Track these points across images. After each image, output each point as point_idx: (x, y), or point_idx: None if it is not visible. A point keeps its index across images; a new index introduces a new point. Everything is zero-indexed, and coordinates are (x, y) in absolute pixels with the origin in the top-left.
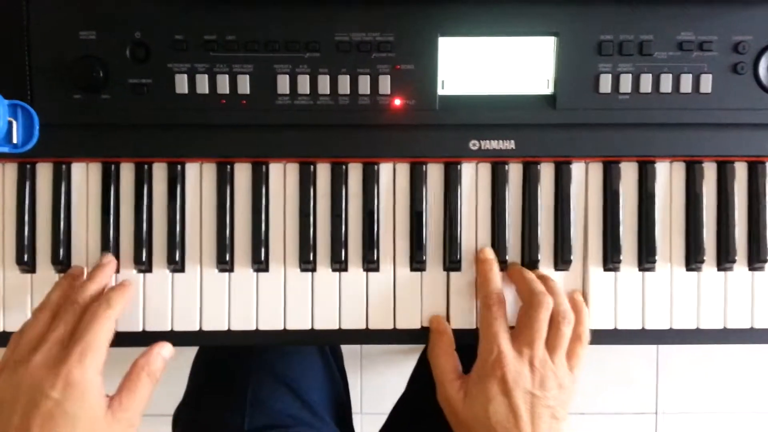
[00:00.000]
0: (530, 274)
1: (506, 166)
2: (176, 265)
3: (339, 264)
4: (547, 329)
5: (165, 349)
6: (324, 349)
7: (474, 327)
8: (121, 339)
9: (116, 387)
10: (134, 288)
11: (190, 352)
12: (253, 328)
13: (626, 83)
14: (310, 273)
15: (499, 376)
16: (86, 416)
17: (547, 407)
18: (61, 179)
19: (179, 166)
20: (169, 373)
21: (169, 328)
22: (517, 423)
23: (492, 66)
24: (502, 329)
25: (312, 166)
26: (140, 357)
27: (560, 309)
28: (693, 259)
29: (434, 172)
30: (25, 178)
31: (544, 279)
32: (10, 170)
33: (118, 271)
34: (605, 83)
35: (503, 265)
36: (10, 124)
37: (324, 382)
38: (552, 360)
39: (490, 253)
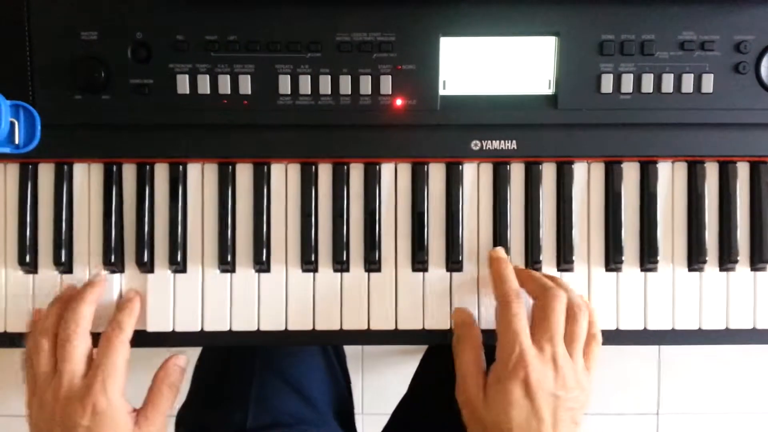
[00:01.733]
0: (537, 273)
1: (508, 167)
2: (178, 265)
3: (341, 264)
4: (564, 323)
5: (180, 360)
6: (327, 348)
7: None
8: None
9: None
10: (139, 301)
11: (193, 353)
12: (255, 328)
13: (628, 83)
14: (311, 273)
15: (522, 377)
16: None
17: (568, 410)
18: (63, 180)
19: (181, 167)
20: None
21: (171, 329)
22: (539, 427)
23: (493, 66)
24: (523, 326)
25: (313, 167)
26: (159, 371)
27: (575, 301)
28: (695, 259)
29: (436, 173)
30: (27, 179)
31: (551, 278)
32: (12, 171)
33: (122, 270)
34: (607, 83)
35: None
36: (12, 124)
37: (326, 381)
38: (571, 355)
39: (502, 252)
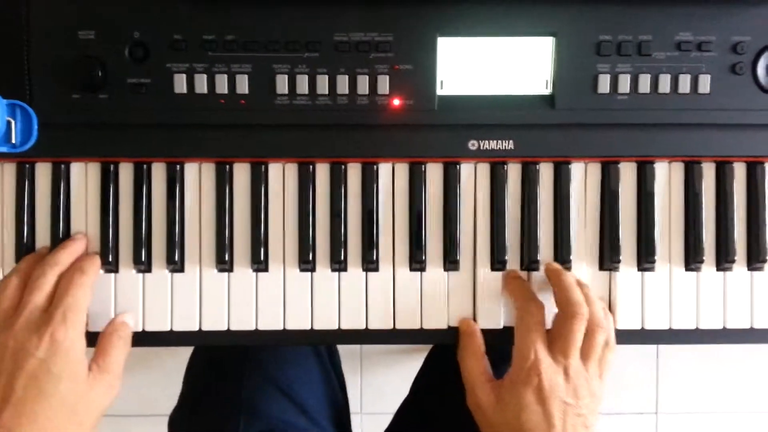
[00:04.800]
0: (569, 280)
1: (505, 167)
2: (175, 265)
3: (338, 264)
4: (581, 339)
5: (126, 316)
6: (320, 351)
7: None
8: None
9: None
10: (99, 262)
11: (184, 354)
12: (253, 328)
13: (625, 83)
14: (309, 273)
15: (535, 383)
16: (69, 375)
17: (579, 416)
18: (60, 179)
19: (178, 166)
20: (166, 374)
21: (168, 328)
22: (550, 431)
23: (491, 66)
24: (540, 336)
25: (311, 166)
26: (107, 325)
27: (595, 318)
28: (692, 259)
29: (433, 172)
30: (24, 178)
31: (579, 285)
32: (9, 170)
33: (117, 270)
34: (604, 83)
35: (502, 265)
36: (8, 123)
37: (320, 385)
38: (585, 368)
39: (517, 273)
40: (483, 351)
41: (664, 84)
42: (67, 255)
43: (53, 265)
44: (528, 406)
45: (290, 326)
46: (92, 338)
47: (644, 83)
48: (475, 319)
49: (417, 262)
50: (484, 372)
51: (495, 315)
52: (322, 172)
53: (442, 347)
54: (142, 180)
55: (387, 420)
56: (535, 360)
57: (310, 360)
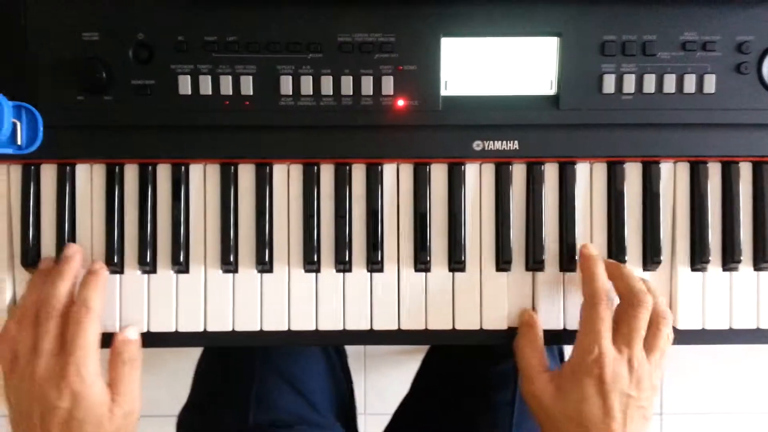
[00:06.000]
0: (628, 270)
1: (510, 167)
2: (181, 266)
3: (343, 265)
4: (646, 329)
5: (128, 332)
6: (328, 349)
7: (478, 327)
8: None
9: None
10: (106, 274)
11: (194, 354)
12: (258, 328)
13: (629, 83)
14: (314, 274)
15: (597, 375)
16: (93, 416)
17: (639, 408)
18: (66, 180)
19: (183, 167)
20: (170, 374)
21: (173, 329)
22: (610, 424)
23: (495, 66)
24: (606, 329)
25: (316, 167)
26: (111, 347)
27: (659, 309)
28: (698, 259)
29: (438, 173)
30: (30, 180)
31: (641, 281)
32: (15, 172)
33: (122, 271)
34: (608, 83)
35: (506, 266)
36: (14, 125)
37: (328, 382)
38: (648, 360)
39: (594, 249)
40: (542, 342)
41: (669, 84)
42: (66, 284)
43: (56, 305)
44: (589, 398)
45: (295, 327)
46: (105, 339)
47: (649, 83)
48: (480, 320)
49: (422, 262)
50: (541, 362)
51: (500, 315)
52: (327, 172)
53: (439, 348)
54: (147, 181)
55: None
56: (599, 353)
57: (318, 356)
